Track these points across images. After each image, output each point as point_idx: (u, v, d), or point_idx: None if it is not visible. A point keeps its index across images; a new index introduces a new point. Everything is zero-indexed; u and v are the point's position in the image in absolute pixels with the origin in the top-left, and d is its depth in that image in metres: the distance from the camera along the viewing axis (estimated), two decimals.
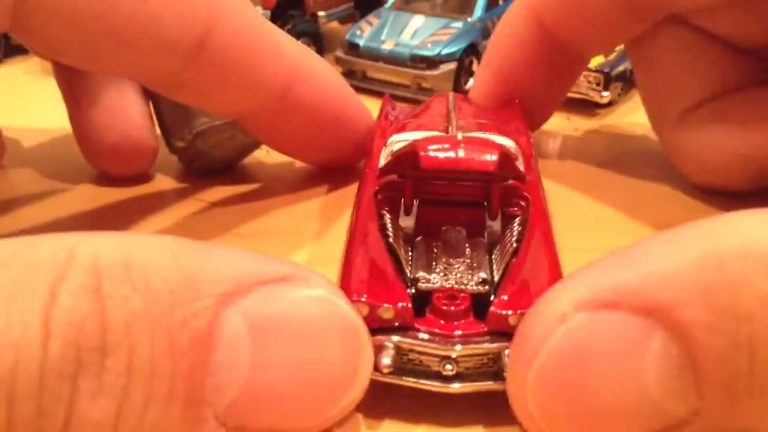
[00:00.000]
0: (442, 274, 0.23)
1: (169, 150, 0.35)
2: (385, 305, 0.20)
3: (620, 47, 0.46)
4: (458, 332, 0.21)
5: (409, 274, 0.23)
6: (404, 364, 0.21)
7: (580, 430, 0.18)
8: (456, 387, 0.21)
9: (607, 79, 0.44)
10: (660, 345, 0.17)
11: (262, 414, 0.17)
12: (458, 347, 0.20)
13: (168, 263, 0.16)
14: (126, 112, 0.33)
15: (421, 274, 0.23)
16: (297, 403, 0.17)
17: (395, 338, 0.20)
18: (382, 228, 0.24)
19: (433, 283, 0.22)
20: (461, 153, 0.23)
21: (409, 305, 0.21)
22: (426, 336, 0.21)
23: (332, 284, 0.19)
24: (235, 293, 0.17)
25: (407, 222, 0.26)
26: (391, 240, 0.23)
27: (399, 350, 0.21)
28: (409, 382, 0.21)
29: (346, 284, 0.21)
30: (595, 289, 0.17)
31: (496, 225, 0.26)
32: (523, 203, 0.26)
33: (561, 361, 0.17)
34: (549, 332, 0.17)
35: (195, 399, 0.16)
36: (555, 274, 0.22)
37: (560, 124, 0.43)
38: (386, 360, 0.20)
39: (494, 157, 0.23)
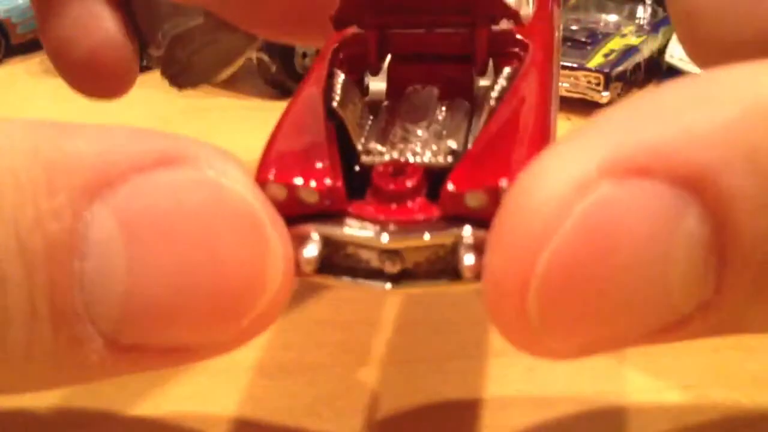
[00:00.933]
0: (399, 144, 0.18)
1: (148, 63, 0.33)
2: (307, 185, 0.16)
3: (619, 47, 0.46)
4: (396, 218, 0.16)
5: (360, 147, 0.18)
6: (340, 261, 0.16)
7: (585, 329, 0.14)
8: (389, 287, 0.16)
9: (607, 79, 0.44)
10: (693, 223, 0.13)
11: (155, 329, 0.14)
12: (385, 237, 0.16)
13: (17, 149, 0.14)
14: (91, 25, 0.30)
15: (372, 145, 0.18)
16: (194, 315, 0.14)
17: (320, 227, 0.16)
18: (328, 90, 0.19)
19: (380, 155, 0.17)
20: None
21: (340, 184, 0.16)
22: (355, 223, 0.16)
23: (231, 163, 0.15)
24: (103, 184, 0.14)
25: (379, 86, 0.21)
26: (334, 104, 0.18)
27: (330, 243, 0.16)
28: (342, 282, 0.16)
29: (262, 162, 0.17)
30: (624, 149, 0.13)
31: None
32: (521, 52, 0.20)
33: (584, 247, 0.13)
34: (565, 207, 0.13)
35: (65, 317, 0.14)
36: (542, 142, 0.17)
37: (560, 124, 0.42)
38: (309, 254, 0.16)
39: None
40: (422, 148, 0.17)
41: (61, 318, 0.14)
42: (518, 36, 0.20)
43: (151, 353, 0.15)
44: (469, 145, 0.18)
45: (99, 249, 0.14)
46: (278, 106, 0.18)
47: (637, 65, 0.46)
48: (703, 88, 0.14)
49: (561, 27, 0.23)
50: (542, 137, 0.17)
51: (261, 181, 0.16)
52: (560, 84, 0.43)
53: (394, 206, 0.16)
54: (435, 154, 0.17)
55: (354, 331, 0.25)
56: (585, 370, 0.23)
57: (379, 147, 0.17)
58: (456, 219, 0.16)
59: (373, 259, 0.16)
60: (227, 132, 0.42)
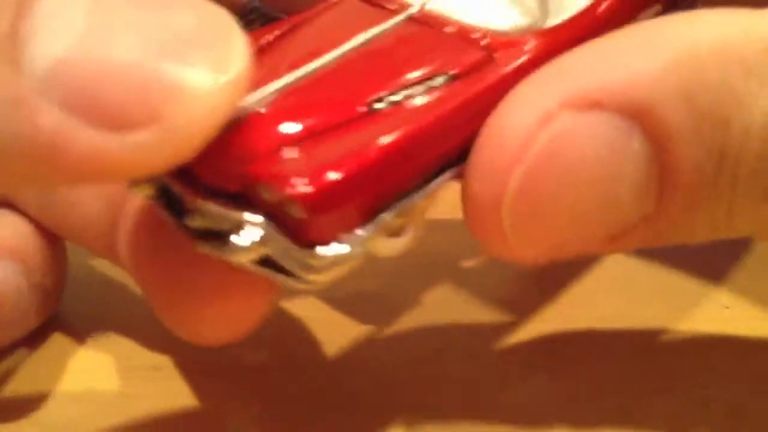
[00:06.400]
0: None
1: None
2: None
3: None
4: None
5: None
6: None
7: (551, 236, 0.17)
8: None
9: None
10: (638, 146, 0.16)
11: (95, 85, 0.14)
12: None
13: None
14: None
15: None
16: (134, 87, 0.14)
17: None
18: None
19: None
20: None
21: None
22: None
23: None
24: None
25: None
26: None
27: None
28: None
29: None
30: (580, 86, 0.16)
31: None
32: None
33: (548, 168, 0.16)
34: (531, 136, 0.16)
35: (11, 42, 0.14)
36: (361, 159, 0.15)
37: None
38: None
39: None
40: None
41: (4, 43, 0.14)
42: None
43: (99, 117, 0.14)
44: None
45: None
46: None
47: None
48: (646, 35, 0.17)
49: None
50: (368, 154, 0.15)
51: None
52: None
53: None
54: None
55: None
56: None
57: None
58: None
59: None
60: None
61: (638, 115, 0.16)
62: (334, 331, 0.24)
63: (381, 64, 0.18)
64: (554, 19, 0.19)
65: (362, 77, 0.17)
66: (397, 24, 0.18)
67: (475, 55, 0.18)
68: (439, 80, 0.17)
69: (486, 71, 0.17)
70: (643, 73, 0.16)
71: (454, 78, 0.17)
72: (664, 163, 0.16)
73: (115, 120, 0.13)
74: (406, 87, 0.17)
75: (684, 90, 0.16)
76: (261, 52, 0.18)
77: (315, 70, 0.17)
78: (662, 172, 0.16)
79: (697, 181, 0.16)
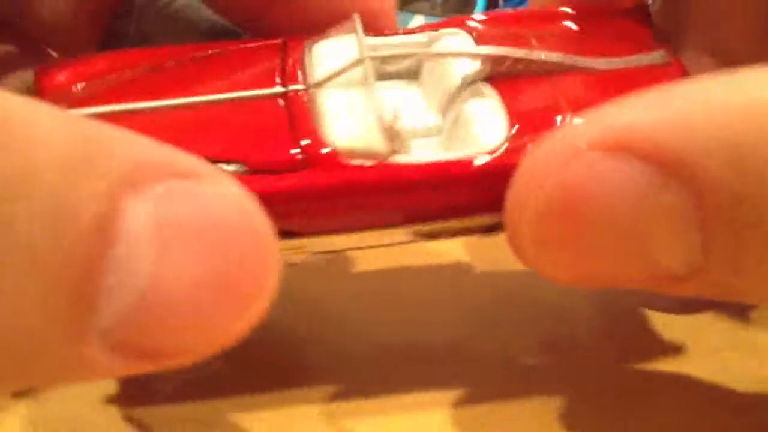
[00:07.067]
0: None
1: None
2: None
3: None
4: None
5: None
6: None
7: (577, 266, 0.17)
8: None
9: None
10: (672, 199, 0.16)
11: (154, 329, 0.15)
12: None
13: (69, 132, 0.14)
14: None
15: None
16: (196, 320, 0.15)
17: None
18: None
19: None
20: None
21: None
22: None
23: (239, 184, 0.16)
24: (141, 180, 0.15)
25: None
26: None
27: None
28: None
29: None
30: (612, 127, 0.16)
31: None
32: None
33: (567, 195, 0.16)
34: (561, 164, 0.16)
35: (85, 302, 0.14)
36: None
37: None
38: None
39: None
40: None
41: (81, 301, 0.14)
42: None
43: (144, 355, 0.15)
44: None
45: (133, 239, 0.14)
46: None
47: None
48: (694, 89, 0.16)
49: None
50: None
51: None
52: None
53: None
54: None
55: None
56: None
57: None
58: None
59: None
60: None
61: (671, 166, 0.15)
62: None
63: (213, 129, 0.19)
64: (405, 158, 0.19)
65: (190, 134, 0.19)
66: (264, 96, 0.20)
67: (289, 158, 0.19)
68: (235, 167, 0.19)
69: (286, 177, 0.18)
70: (681, 121, 0.16)
71: (251, 170, 0.18)
72: (707, 218, 0.16)
73: (149, 355, 0.15)
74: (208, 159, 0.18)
75: (731, 145, 0.15)
76: (160, 70, 0.21)
77: (155, 108, 0.19)
78: (704, 226, 0.16)
79: (745, 239, 0.16)
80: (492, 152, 0.19)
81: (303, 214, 0.19)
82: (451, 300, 0.27)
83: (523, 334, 0.25)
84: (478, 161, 0.19)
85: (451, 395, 0.22)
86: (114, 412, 0.22)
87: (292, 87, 0.20)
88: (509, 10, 0.22)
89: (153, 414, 0.21)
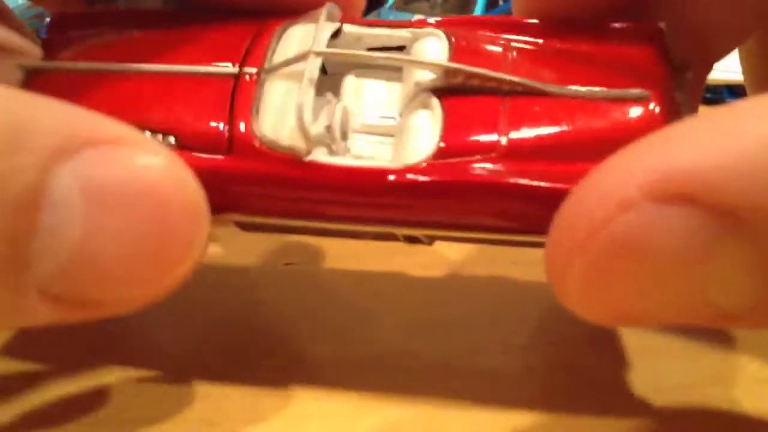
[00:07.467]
0: None
1: None
2: None
3: None
4: None
5: None
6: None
7: (622, 317, 0.16)
8: None
9: None
10: (733, 247, 0.15)
11: (86, 284, 0.16)
12: None
13: None
14: None
15: None
16: (126, 277, 0.16)
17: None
18: None
19: None
20: None
21: None
22: None
23: (170, 151, 0.17)
24: (68, 150, 0.15)
25: None
26: None
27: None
28: None
29: None
30: (670, 173, 0.15)
31: None
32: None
33: (617, 252, 0.15)
34: (607, 218, 0.15)
35: (18, 263, 0.15)
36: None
37: None
38: None
39: None
40: None
41: (15, 264, 0.15)
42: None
43: (83, 305, 0.16)
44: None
45: (60, 205, 0.15)
46: None
47: None
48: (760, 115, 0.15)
49: None
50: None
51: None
52: None
53: None
54: None
55: None
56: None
57: None
58: None
59: None
60: None
61: (736, 213, 0.14)
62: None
63: (160, 100, 0.20)
64: (326, 158, 0.19)
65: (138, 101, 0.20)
66: (217, 74, 0.20)
67: (216, 139, 0.19)
68: (170, 139, 0.19)
69: (210, 158, 0.19)
70: (749, 169, 0.14)
71: (181, 144, 0.19)
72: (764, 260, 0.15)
73: (88, 305, 0.16)
74: (145, 129, 0.19)
75: None
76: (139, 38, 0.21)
77: (118, 71, 0.20)
78: (765, 269, 0.15)
79: None
80: (409, 169, 0.18)
81: (223, 194, 0.19)
82: (451, 300, 0.27)
83: (524, 334, 0.25)
84: (391, 176, 0.18)
85: (451, 395, 0.22)
86: (114, 412, 0.22)
87: (245, 69, 0.20)
88: (501, 16, 0.21)
89: (155, 414, 0.21)
